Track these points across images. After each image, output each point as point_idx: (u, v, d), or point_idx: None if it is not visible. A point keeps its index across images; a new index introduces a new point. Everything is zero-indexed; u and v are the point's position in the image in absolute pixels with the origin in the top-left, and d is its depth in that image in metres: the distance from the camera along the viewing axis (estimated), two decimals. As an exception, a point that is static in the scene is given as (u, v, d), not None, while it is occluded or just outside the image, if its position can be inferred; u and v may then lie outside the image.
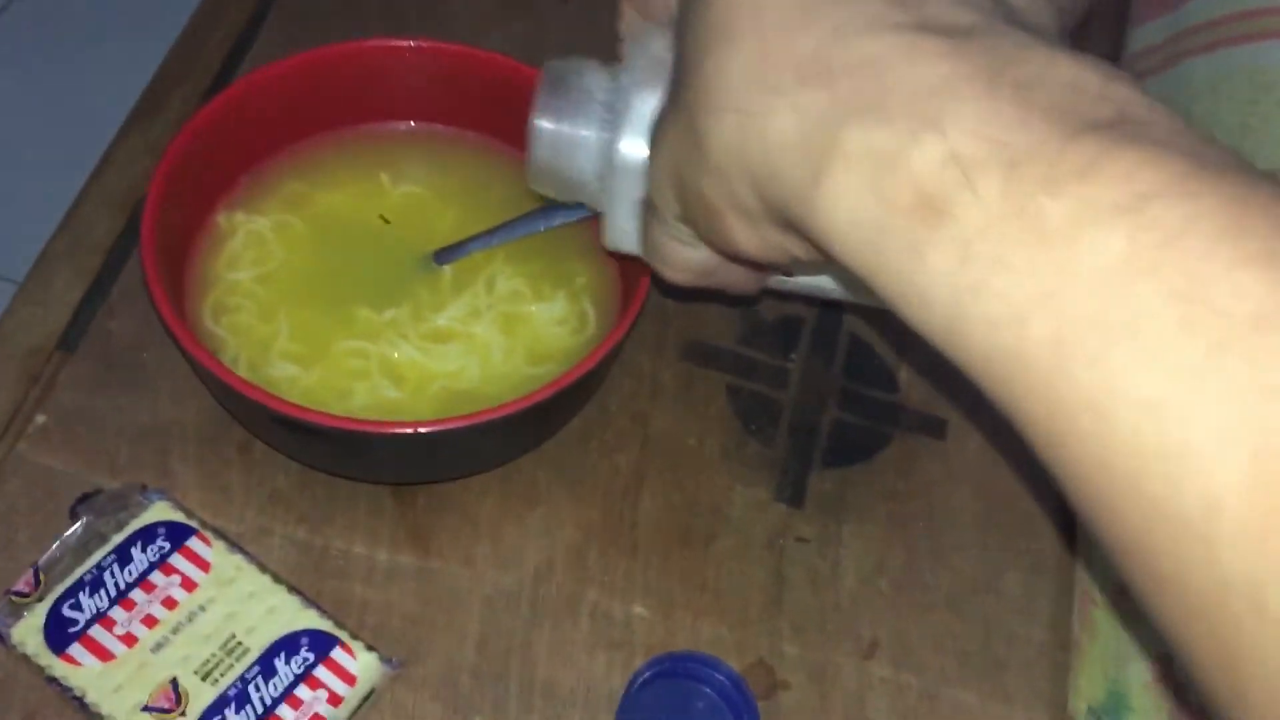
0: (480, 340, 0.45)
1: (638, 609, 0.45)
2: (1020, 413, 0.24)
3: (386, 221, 0.48)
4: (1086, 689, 0.42)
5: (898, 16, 0.26)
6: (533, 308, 0.46)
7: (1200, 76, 0.51)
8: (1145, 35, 0.57)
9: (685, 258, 0.35)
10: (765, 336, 0.53)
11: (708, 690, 0.42)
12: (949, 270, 0.24)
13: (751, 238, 0.30)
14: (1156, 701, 0.39)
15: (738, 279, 0.37)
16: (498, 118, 0.50)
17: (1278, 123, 0.47)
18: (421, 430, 0.39)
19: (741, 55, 0.27)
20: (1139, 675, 0.40)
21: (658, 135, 0.32)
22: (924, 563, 0.47)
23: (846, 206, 0.25)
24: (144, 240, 0.42)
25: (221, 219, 0.47)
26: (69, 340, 0.49)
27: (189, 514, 0.44)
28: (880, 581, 0.47)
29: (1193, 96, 0.51)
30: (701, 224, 0.32)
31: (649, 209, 0.35)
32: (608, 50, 0.61)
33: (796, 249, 0.30)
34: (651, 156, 0.33)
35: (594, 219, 0.48)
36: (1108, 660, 0.42)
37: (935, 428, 0.51)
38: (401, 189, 0.49)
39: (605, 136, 0.37)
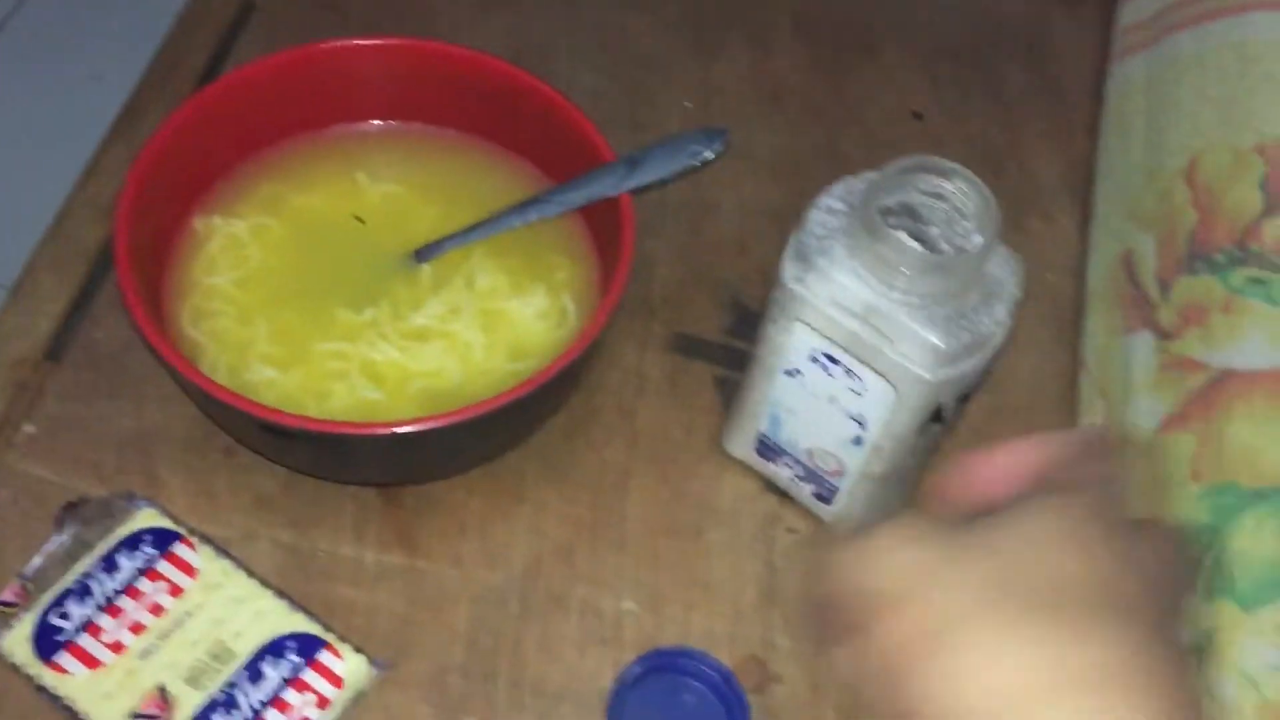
0: (460, 338, 0.45)
1: (627, 604, 0.45)
2: None
3: (361, 221, 0.47)
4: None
5: None
6: (512, 303, 0.46)
7: (1187, 50, 0.50)
8: (1134, 10, 0.56)
9: None
10: (752, 327, 0.52)
11: (698, 685, 0.42)
12: None
13: None
14: None
15: None
16: (474, 114, 0.49)
17: (1264, 94, 0.46)
18: (398, 431, 0.39)
19: None
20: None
21: None
22: (916, 550, 0.47)
23: None
24: (117, 247, 0.41)
25: (199, 224, 0.47)
26: (56, 349, 0.49)
27: (175, 520, 0.44)
28: (871, 570, 0.46)
29: (1181, 70, 0.51)
30: None
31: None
32: (588, 42, 0.61)
33: None
34: None
35: (572, 213, 0.48)
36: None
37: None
38: (379, 188, 0.49)
39: None
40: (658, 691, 0.42)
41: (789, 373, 0.42)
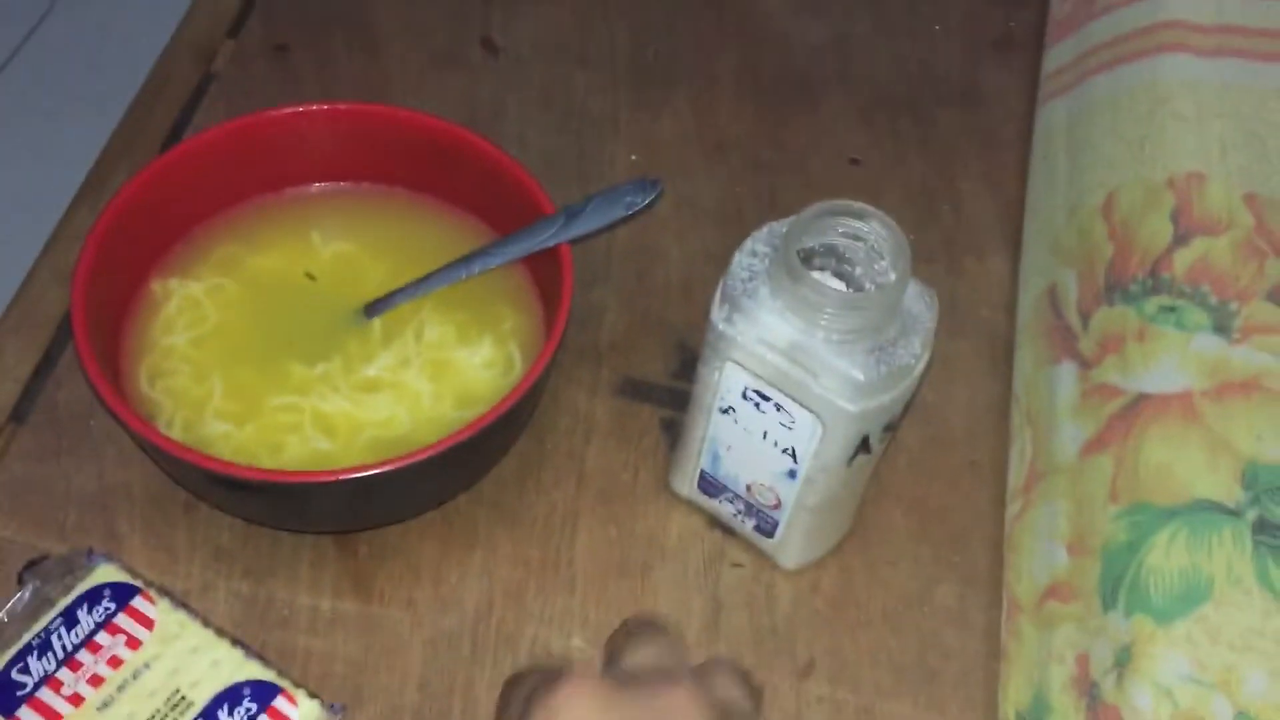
0: (409, 388, 0.47)
1: (576, 641, 0.46)
2: None
3: (313, 279, 0.49)
4: (1014, 695, 0.43)
5: None
6: (460, 353, 0.48)
7: (1102, 92, 0.53)
8: (1057, 55, 0.59)
9: None
10: (696, 369, 0.54)
11: None
12: None
13: None
14: (1075, 701, 0.40)
15: None
16: (421, 173, 0.51)
17: (1172, 133, 0.48)
18: (344, 478, 0.40)
19: None
20: (1059, 676, 0.41)
21: None
22: (858, 580, 0.48)
23: None
24: (74, 311, 0.43)
25: (156, 286, 0.49)
26: (20, 412, 0.50)
27: (134, 574, 0.45)
28: (816, 601, 0.48)
29: (1096, 112, 0.53)
30: None
31: None
32: (536, 100, 0.63)
33: None
34: None
35: (518, 264, 0.50)
36: (1032, 665, 0.42)
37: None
38: (332, 247, 0.51)
39: None
40: None
41: (724, 410, 0.44)
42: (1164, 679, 0.37)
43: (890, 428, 0.42)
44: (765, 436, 0.43)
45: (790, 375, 0.40)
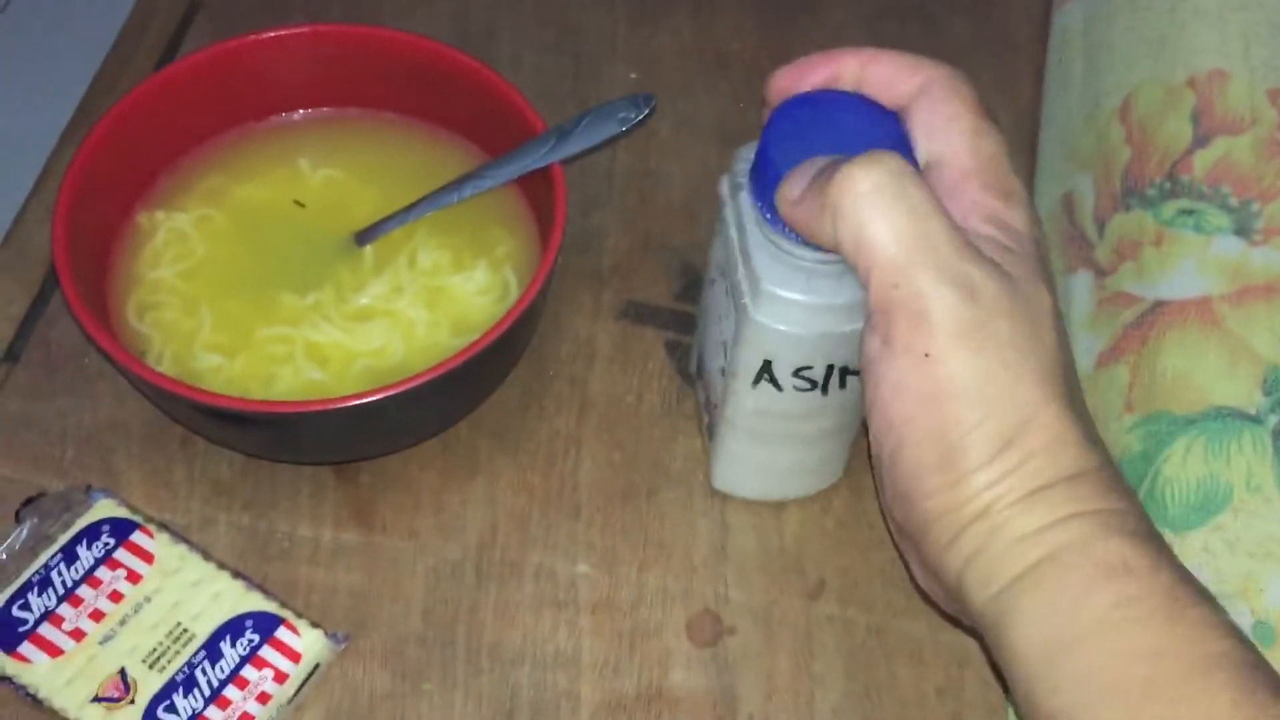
0: (404, 316, 0.46)
1: (581, 567, 0.45)
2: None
3: (302, 206, 0.48)
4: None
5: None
6: (455, 280, 0.47)
7: (1120, -9, 0.51)
8: (1071, -46, 0.56)
9: None
10: (701, 290, 0.52)
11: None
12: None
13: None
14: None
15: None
16: (410, 96, 0.50)
17: (1193, 29, 0.46)
18: (335, 408, 0.39)
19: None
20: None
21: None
22: (869, 501, 0.47)
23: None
24: (55, 246, 0.42)
25: (142, 218, 0.48)
26: (14, 350, 0.50)
27: (133, 510, 0.45)
28: (826, 521, 0.47)
29: (1113, 11, 0.51)
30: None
31: None
32: (529, 19, 0.61)
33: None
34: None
35: (512, 187, 0.48)
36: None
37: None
38: (320, 174, 0.49)
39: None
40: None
41: (710, 280, 0.42)
42: (1181, 590, 0.35)
43: (806, 377, 0.39)
44: (718, 322, 0.42)
45: (731, 260, 0.39)
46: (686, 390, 0.50)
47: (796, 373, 0.39)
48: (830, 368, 0.39)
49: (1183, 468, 0.37)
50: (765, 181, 0.35)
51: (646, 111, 0.45)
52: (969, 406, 0.31)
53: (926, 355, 0.31)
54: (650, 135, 0.57)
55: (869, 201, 0.31)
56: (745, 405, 0.41)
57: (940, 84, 0.35)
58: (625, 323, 0.51)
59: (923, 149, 0.35)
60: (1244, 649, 0.29)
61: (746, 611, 0.44)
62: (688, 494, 0.47)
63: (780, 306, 0.37)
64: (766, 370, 0.39)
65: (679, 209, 0.55)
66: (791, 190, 0.34)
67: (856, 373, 0.39)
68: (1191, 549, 0.36)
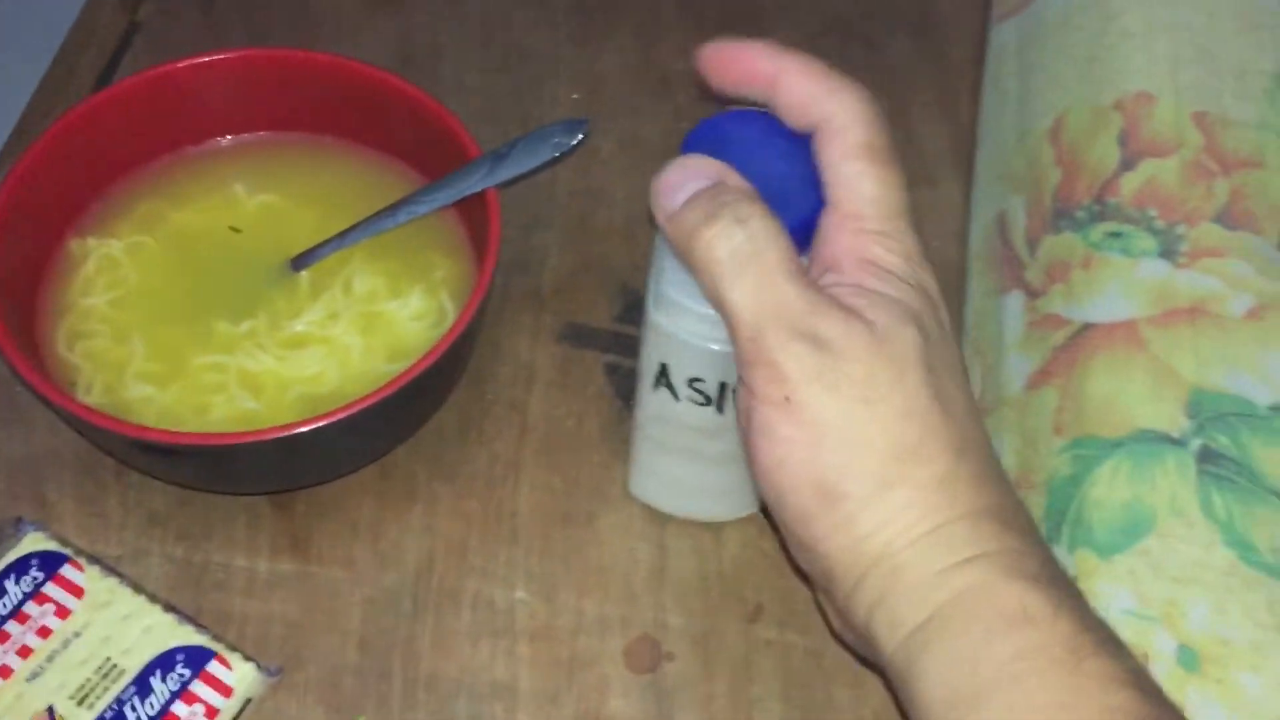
0: (339, 343, 0.45)
1: (520, 594, 0.45)
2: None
3: (237, 231, 0.48)
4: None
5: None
6: (391, 305, 0.46)
7: (1054, 12, 0.51)
8: (1007, -26, 0.57)
9: None
10: (641, 311, 0.52)
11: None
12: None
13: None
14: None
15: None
16: (347, 120, 0.50)
17: (1121, 52, 0.47)
18: (267, 438, 0.39)
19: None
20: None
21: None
22: (808, 522, 0.47)
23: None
24: (-20, 274, 0.42)
25: (73, 245, 0.47)
26: (-56, 381, 0.49)
27: (63, 542, 0.44)
28: (764, 543, 0.47)
29: (1046, 32, 0.51)
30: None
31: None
32: (474, 39, 0.61)
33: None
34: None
35: (449, 212, 0.48)
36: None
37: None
38: (257, 199, 0.49)
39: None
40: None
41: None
42: (1106, 613, 0.36)
43: (700, 390, 0.39)
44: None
45: (652, 260, 0.39)
46: (627, 413, 0.50)
47: (690, 383, 0.40)
48: (723, 386, 0.39)
49: (1109, 491, 0.37)
50: None
51: (581, 136, 0.45)
52: (835, 447, 0.32)
53: (787, 399, 0.32)
54: (592, 155, 0.57)
55: (726, 269, 0.33)
56: (649, 409, 0.42)
57: (840, 116, 0.35)
58: (565, 345, 0.51)
59: (824, 180, 0.35)
60: (1143, 700, 0.29)
61: (685, 637, 0.44)
62: (627, 519, 0.47)
63: (676, 312, 0.38)
64: (664, 374, 0.40)
65: (620, 230, 0.55)
66: (668, 202, 0.34)
67: None
68: (1117, 573, 0.36)
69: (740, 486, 0.45)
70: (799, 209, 0.35)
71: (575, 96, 0.60)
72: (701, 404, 0.40)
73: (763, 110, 0.37)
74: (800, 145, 0.36)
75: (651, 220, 0.40)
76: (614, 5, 0.63)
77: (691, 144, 0.36)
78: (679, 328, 0.38)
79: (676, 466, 0.44)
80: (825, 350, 0.32)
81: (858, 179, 0.34)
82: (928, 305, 0.35)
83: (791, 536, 0.34)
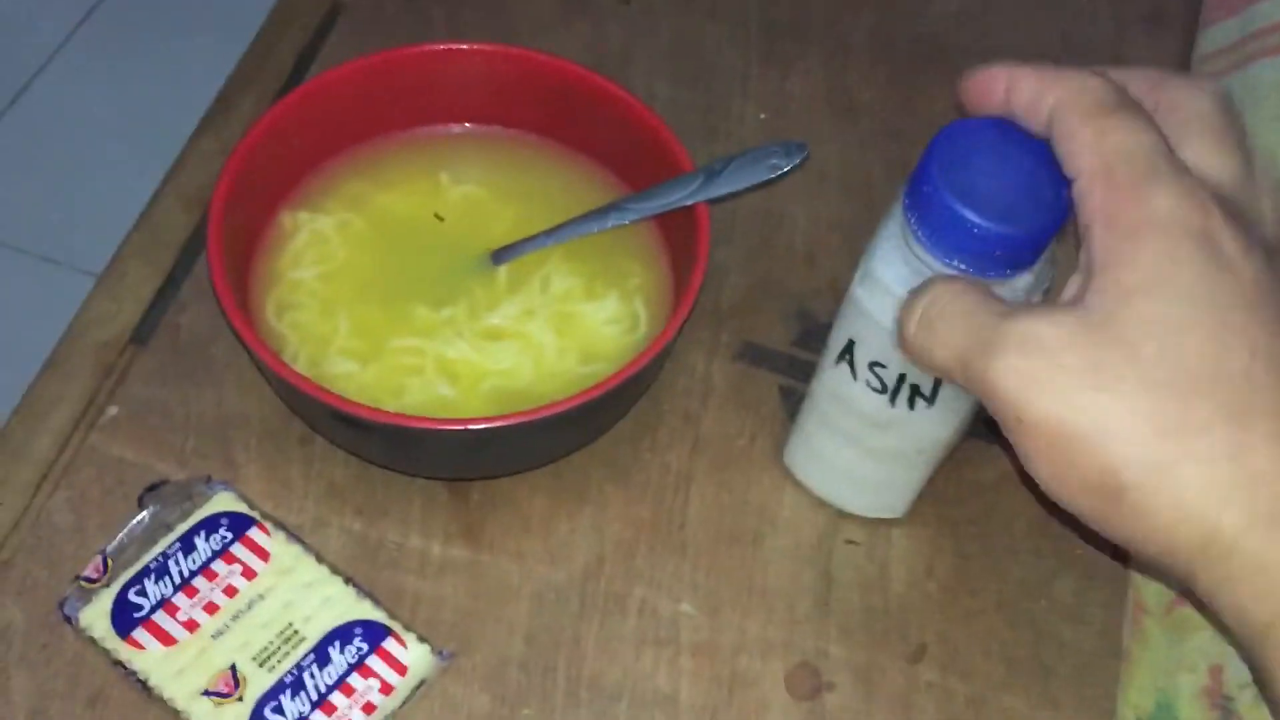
0: (534, 339, 0.46)
1: (684, 607, 0.45)
2: None
3: (440, 219, 0.49)
4: (1135, 698, 0.42)
5: None
6: (586, 307, 0.47)
7: (1268, 78, 0.50)
8: (1215, 37, 0.56)
9: None
10: (819, 339, 0.52)
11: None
12: None
13: None
14: (1205, 713, 0.38)
15: None
16: (555, 120, 0.50)
17: None
18: (471, 428, 0.40)
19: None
20: (1189, 686, 0.39)
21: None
22: (974, 566, 0.47)
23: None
24: (210, 239, 0.43)
25: (286, 218, 0.48)
26: (141, 334, 0.51)
27: (251, 505, 0.45)
28: (929, 585, 0.47)
29: (1260, 98, 0.50)
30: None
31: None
32: (665, 50, 0.62)
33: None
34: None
35: (648, 220, 0.49)
36: (1158, 671, 0.41)
37: (989, 430, 0.50)
38: (460, 189, 0.50)
39: None
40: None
41: None
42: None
43: (879, 375, 0.40)
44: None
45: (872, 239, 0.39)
46: (799, 438, 0.50)
47: (871, 366, 0.40)
48: (902, 377, 0.40)
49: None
50: (916, 192, 0.36)
51: (798, 160, 0.45)
52: (1083, 446, 0.31)
53: (1019, 420, 0.32)
54: (775, 177, 0.57)
55: (922, 339, 0.35)
56: (826, 383, 0.43)
57: (1065, 103, 0.34)
58: (742, 364, 0.52)
59: (1067, 169, 0.34)
60: None
61: (846, 669, 0.44)
62: (794, 544, 0.47)
63: (877, 291, 0.38)
64: (849, 351, 0.40)
65: (800, 253, 0.55)
66: (907, 325, 0.36)
67: (927, 397, 0.40)
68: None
69: (890, 487, 0.45)
70: (1053, 209, 0.35)
71: (762, 116, 0.60)
72: (877, 390, 0.41)
73: (1000, 120, 0.37)
74: (1041, 146, 0.36)
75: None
76: (805, 28, 0.64)
77: (942, 143, 0.36)
78: (876, 306, 0.38)
79: (835, 449, 0.45)
80: (1032, 352, 0.31)
81: (1098, 137, 0.33)
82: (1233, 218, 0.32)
83: (1118, 542, 0.33)
